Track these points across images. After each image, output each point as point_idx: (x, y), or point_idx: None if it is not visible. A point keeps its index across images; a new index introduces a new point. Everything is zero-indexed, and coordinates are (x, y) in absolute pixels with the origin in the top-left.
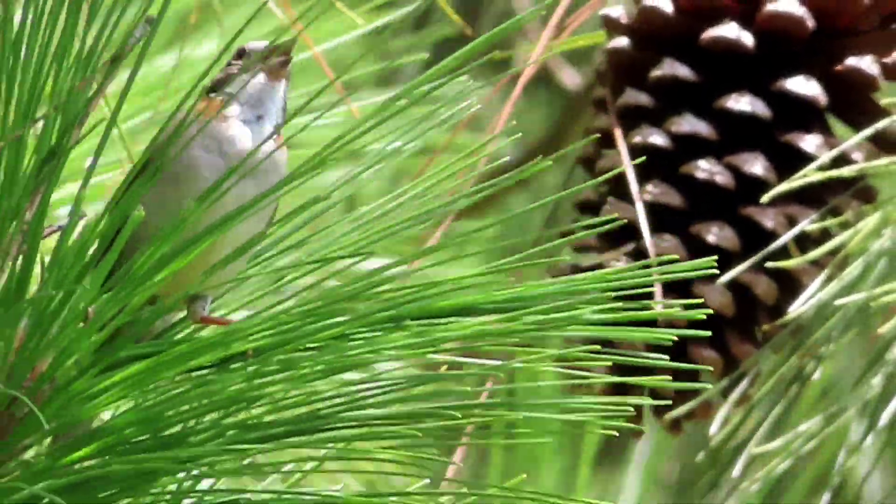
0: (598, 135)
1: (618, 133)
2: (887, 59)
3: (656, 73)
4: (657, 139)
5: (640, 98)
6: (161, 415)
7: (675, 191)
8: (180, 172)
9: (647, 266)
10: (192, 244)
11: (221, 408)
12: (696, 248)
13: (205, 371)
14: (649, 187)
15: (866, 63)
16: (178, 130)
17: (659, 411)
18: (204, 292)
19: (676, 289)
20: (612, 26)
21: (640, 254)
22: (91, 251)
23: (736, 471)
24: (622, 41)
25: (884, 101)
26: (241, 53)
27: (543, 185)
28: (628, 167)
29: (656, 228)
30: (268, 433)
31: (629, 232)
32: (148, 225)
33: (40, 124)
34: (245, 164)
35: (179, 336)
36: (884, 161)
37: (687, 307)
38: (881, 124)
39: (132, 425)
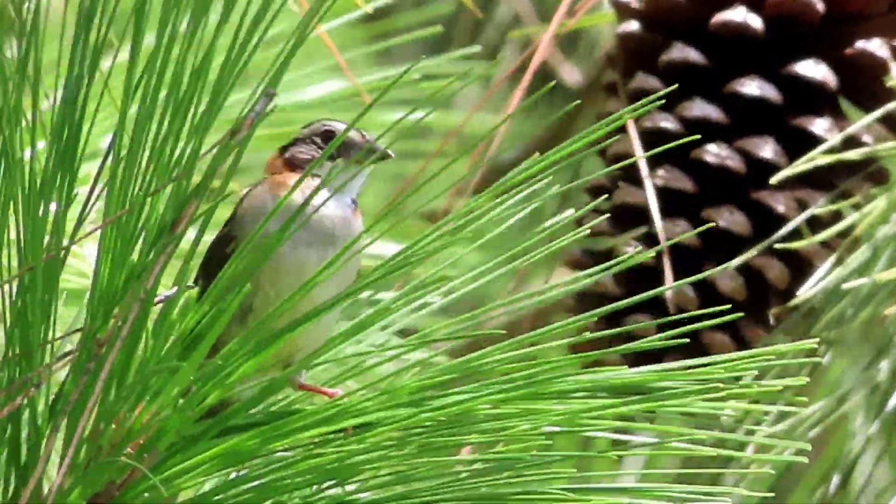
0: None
1: (629, 118)
2: None
3: (666, 57)
4: (668, 124)
5: (651, 82)
6: (259, 488)
7: (685, 175)
8: (282, 262)
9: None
10: (285, 331)
11: (325, 481)
12: (707, 232)
13: (304, 445)
14: (660, 172)
15: (876, 46)
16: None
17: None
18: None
19: (688, 272)
20: (622, 10)
21: (651, 238)
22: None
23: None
24: (633, 25)
25: (893, 83)
26: (326, 136)
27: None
28: (639, 152)
29: (667, 213)
30: None
31: (640, 216)
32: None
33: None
34: (333, 239)
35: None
36: (892, 144)
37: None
38: (891, 106)
39: (229, 498)
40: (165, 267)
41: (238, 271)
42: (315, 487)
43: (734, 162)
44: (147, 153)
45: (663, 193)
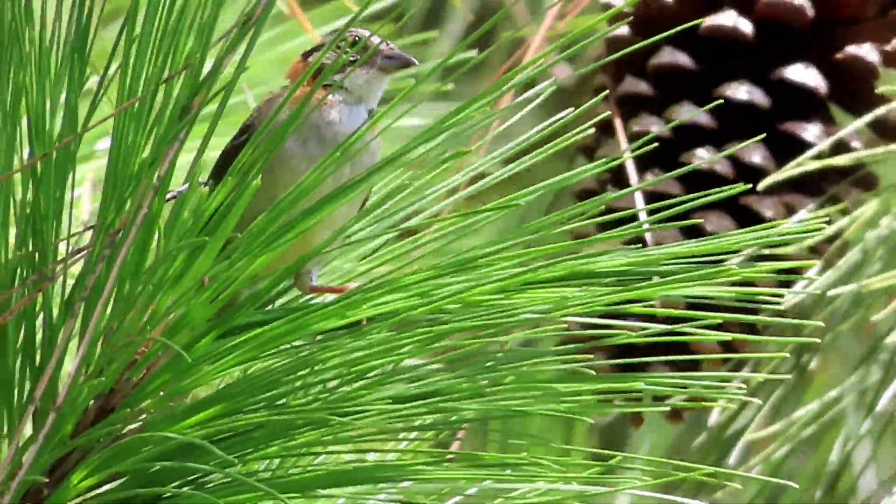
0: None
1: (617, 121)
2: (887, 47)
3: (656, 61)
4: (657, 127)
5: (640, 86)
6: (276, 382)
7: (674, 179)
8: (274, 164)
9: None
10: (300, 220)
11: (336, 377)
12: (696, 236)
13: (320, 338)
14: (649, 176)
15: (866, 51)
16: (288, 119)
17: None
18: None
19: None
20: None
21: (639, 242)
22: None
23: (733, 458)
24: (622, 29)
25: (883, 88)
26: (354, 42)
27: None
28: (628, 156)
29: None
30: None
31: (628, 221)
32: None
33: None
34: (344, 148)
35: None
36: (882, 149)
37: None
38: (880, 111)
39: (245, 392)
40: (179, 153)
41: (250, 163)
42: (332, 383)
43: (723, 166)
44: (159, 39)
45: (652, 197)
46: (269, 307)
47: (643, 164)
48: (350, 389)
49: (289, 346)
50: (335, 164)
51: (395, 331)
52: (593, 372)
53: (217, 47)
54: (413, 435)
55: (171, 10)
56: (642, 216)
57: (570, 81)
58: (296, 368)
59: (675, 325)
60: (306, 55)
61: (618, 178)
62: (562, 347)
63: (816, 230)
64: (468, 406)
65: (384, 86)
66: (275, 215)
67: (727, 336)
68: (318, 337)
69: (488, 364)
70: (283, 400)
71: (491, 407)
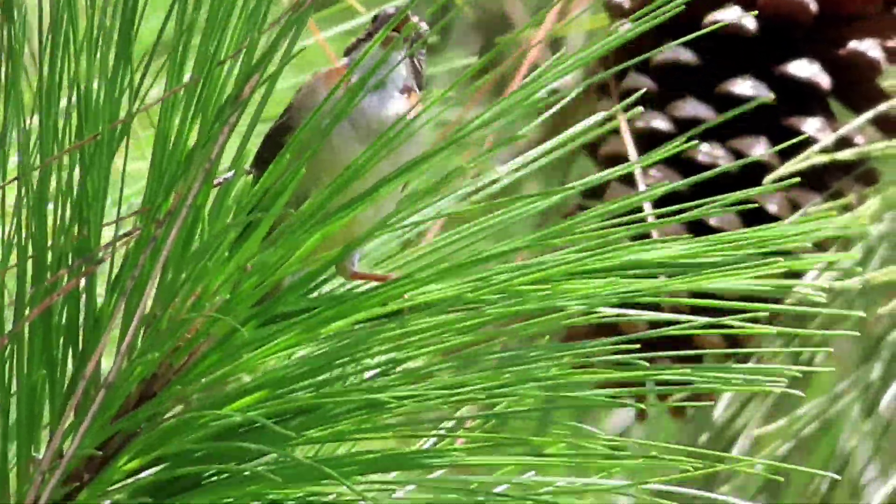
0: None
1: (621, 118)
2: (890, 43)
3: (659, 57)
4: (660, 123)
5: (643, 82)
6: (320, 368)
7: (677, 175)
8: (336, 154)
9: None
10: (340, 210)
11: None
12: (701, 232)
13: (361, 326)
14: (652, 171)
15: (869, 47)
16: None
17: (662, 395)
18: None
19: None
20: (614, 10)
21: (643, 237)
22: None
23: (737, 453)
24: (624, 25)
25: (886, 83)
26: (381, 20)
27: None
28: (631, 152)
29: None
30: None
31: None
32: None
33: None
34: (375, 133)
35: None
36: (884, 144)
37: None
38: (883, 107)
39: (290, 377)
40: (228, 139)
41: (294, 155)
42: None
43: (726, 161)
44: (210, 25)
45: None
46: (315, 294)
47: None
48: (392, 377)
49: (332, 333)
50: (382, 149)
51: (438, 319)
52: (646, 363)
53: (268, 33)
54: (453, 423)
55: None
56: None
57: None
58: (339, 355)
59: (721, 318)
60: (347, 51)
61: (623, 173)
62: (612, 339)
63: (861, 224)
64: (520, 391)
65: (400, 62)
66: (320, 202)
67: (770, 329)
68: (361, 325)
69: (532, 354)
70: (327, 387)
71: (541, 395)
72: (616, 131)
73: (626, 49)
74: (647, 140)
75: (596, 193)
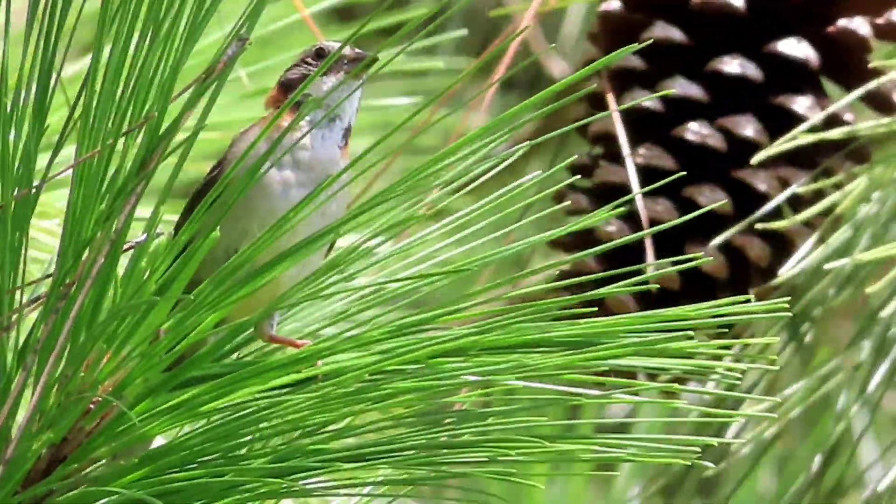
0: (591, 99)
1: (610, 96)
2: (879, 20)
3: (648, 35)
4: (649, 102)
5: (632, 61)
6: (229, 434)
7: (667, 153)
8: (251, 193)
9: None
10: (264, 270)
11: (291, 430)
12: (689, 210)
13: (275, 392)
14: (641, 150)
15: (858, 24)
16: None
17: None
18: (271, 312)
19: (670, 251)
20: None
21: (632, 216)
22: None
23: (729, 434)
24: (614, 4)
25: (875, 61)
26: (318, 54)
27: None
28: (620, 130)
29: (649, 191)
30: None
31: (621, 194)
32: (219, 244)
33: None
34: (322, 185)
35: (248, 357)
36: (873, 122)
37: None
38: (872, 84)
39: (200, 445)
40: (136, 207)
41: (217, 208)
42: (285, 437)
43: (715, 140)
44: (119, 94)
45: (644, 172)
46: (232, 357)
47: (636, 138)
48: (302, 444)
49: (243, 399)
50: (321, 193)
51: (349, 388)
52: None
53: (178, 101)
54: (367, 490)
55: (132, 65)
56: (636, 190)
57: (564, 71)
58: (250, 423)
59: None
60: (281, 82)
61: (611, 151)
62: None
63: (781, 309)
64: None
65: (358, 94)
66: (233, 268)
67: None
68: (272, 392)
69: (447, 421)
70: (237, 452)
71: (446, 462)
72: (606, 109)
73: (616, 28)
74: (637, 119)
75: (585, 171)
